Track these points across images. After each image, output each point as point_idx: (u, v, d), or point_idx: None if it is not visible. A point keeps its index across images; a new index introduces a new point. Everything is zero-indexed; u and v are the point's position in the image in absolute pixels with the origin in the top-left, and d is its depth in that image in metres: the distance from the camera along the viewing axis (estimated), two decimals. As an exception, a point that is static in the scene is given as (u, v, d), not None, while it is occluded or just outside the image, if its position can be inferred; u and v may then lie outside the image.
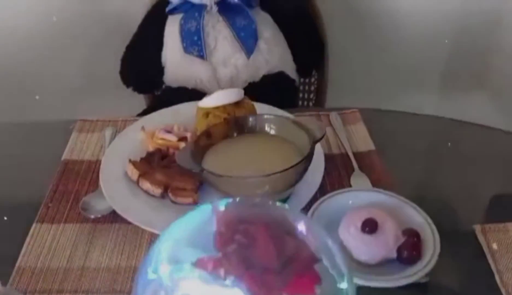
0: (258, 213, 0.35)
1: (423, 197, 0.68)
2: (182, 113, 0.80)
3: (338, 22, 1.18)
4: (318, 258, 0.34)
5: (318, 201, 0.62)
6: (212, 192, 0.63)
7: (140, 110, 1.04)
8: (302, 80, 1.19)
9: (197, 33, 0.98)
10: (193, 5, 0.98)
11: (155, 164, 0.71)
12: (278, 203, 0.36)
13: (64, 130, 0.83)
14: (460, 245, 0.61)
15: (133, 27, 1.08)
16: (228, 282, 0.31)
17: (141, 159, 0.72)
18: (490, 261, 0.59)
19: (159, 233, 0.60)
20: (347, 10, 1.28)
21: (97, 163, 0.74)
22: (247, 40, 0.98)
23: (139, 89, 1.09)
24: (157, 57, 1.05)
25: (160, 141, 0.74)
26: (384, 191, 0.64)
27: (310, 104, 1.26)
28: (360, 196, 0.64)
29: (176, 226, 0.36)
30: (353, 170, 0.73)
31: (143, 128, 0.77)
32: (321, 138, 0.64)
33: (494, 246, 0.60)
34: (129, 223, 0.63)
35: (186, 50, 0.99)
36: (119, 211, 0.63)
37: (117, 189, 0.67)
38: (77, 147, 0.79)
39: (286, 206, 0.40)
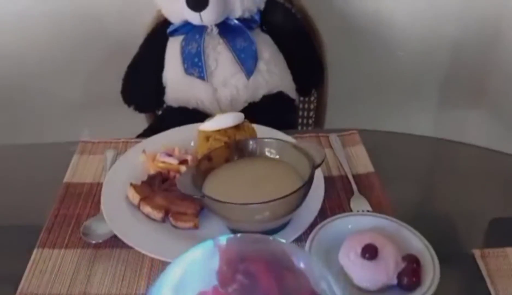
0: (258, 249, 0.35)
1: (422, 220, 0.68)
2: (183, 136, 0.81)
3: (337, 42, 1.19)
4: (317, 292, 0.35)
5: (318, 226, 0.63)
6: (212, 216, 0.64)
7: (141, 129, 1.05)
8: (301, 99, 1.20)
9: (197, 55, 0.99)
10: (194, 27, 1.00)
11: (156, 187, 0.71)
12: (277, 239, 0.36)
13: (65, 152, 0.83)
14: (460, 270, 0.62)
15: (135, 47, 1.09)
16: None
17: (142, 182, 0.72)
18: (490, 286, 0.59)
19: (160, 258, 0.61)
20: (346, 30, 1.29)
21: (99, 185, 0.75)
22: (247, 61, 0.99)
23: (140, 108, 1.10)
24: (158, 77, 1.07)
25: (161, 164, 0.75)
26: (384, 215, 0.65)
27: (310, 121, 1.27)
28: (359, 221, 0.65)
29: (179, 261, 0.37)
30: (352, 193, 0.74)
31: (144, 151, 0.78)
32: (320, 163, 0.64)
33: (493, 271, 0.61)
34: (130, 247, 0.63)
35: (187, 71, 1.00)
36: (120, 236, 0.63)
37: (118, 213, 0.67)
38: (79, 170, 0.79)
39: (285, 241, 0.40)
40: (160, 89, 1.07)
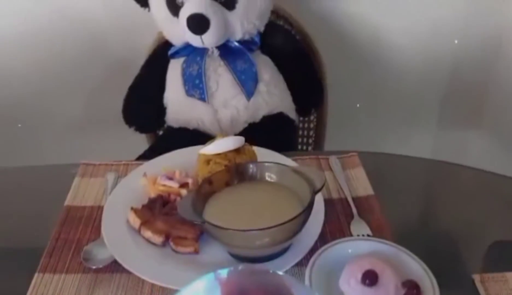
0: (259, 281, 0.36)
1: (422, 244, 0.68)
2: (184, 158, 0.81)
3: (336, 63, 1.20)
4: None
5: (319, 251, 0.63)
6: (213, 241, 0.64)
7: (142, 149, 1.06)
8: (301, 119, 1.21)
9: (198, 77, 1.00)
10: (195, 49, 1.01)
11: (157, 211, 0.72)
12: (277, 272, 0.36)
13: (67, 174, 0.84)
14: (460, 296, 0.62)
15: (136, 68, 1.10)
16: None
17: (143, 206, 0.73)
18: (490, 311, 0.59)
19: (160, 284, 0.61)
20: (345, 51, 1.31)
21: (99, 209, 0.75)
22: (248, 83, 1.00)
23: (141, 129, 1.11)
24: (159, 98, 1.07)
25: (161, 188, 0.75)
26: (384, 240, 0.65)
27: (310, 140, 1.28)
28: (360, 246, 0.65)
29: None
30: (352, 216, 0.74)
31: (145, 174, 0.78)
32: (320, 188, 0.65)
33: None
34: (130, 272, 0.63)
35: (188, 92, 1.01)
36: (120, 261, 0.64)
37: (119, 238, 0.68)
38: (80, 193, 0.80)
39: (285, 274, 0.40)
40: (161, 109, 1.07)
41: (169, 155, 0.84)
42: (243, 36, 1.00)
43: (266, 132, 1.01)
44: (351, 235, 0.70)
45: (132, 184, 0.78)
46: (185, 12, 0.95)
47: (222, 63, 1.00)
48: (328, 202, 0.74)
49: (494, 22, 1.28)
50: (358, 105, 1.34)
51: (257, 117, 1.03)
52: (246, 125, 1.03)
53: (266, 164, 0.71)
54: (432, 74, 1.36)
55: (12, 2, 1.24)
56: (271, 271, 0.36)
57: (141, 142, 1.20)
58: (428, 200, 0.83)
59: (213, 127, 1.03)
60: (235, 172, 0.71)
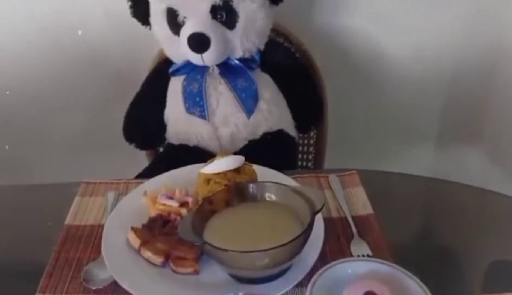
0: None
1: (421, 264, 0.68)
2: (184, 176, 0.82)
3: (336, 80, 1.21)
4: None
5: (319, 272, 0.63)
6: (213, 262, 0.64)
7: (142, 165, 1.07)
8: (301, 136, 1.21)
9: (199, 94, 1.00)
10: (196, 66, 1.01)
11: (157, 231, 0.72)
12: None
13: (67, 192, 0.84)
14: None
15: (137, 85, 1.11)
16: None
17: (143, 225, 0.73)
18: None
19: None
20: (345, 69, 1.31)
21: (100, 227, 0.75)
22: (248, 101, 1.01)
23: (141, 146, 1.11)
24: (159, 115, 1.08)
25: (161, 207, 0.76)
26: (383, 261, 0.65)
27: (310, 157, 1.28)
28: (360, 266, 0.65)
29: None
30: (352, 236, 0.74)
31: (145, 193, 0.79)
32: (320, 209, 0.65)
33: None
34: (130, 293, 0.63)
35: (188, 110, 1.02)
36: (120, 282, 0.64)
37: (119, 258, 0.68)
38: (80, 212, 0.80)
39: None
40: (161, 126, 1.08)
41: (169, 174, 0.85)
42: (243, 54, 1.01)
43: (266, 149, 1.02)
44: (351, 255, 0.70)
45: (132, 203, 0.78)
46: (186, 31, 0.95)
47: (222, 81, 1.01)
48: (328, 221, 0.74)
49: (493, 38, 1.29)
50: (359, 124, 1.35)
51: (257, 134, 1.04)
52: (246, 142, 1.03)
53: (266, 184, 0.72)
54: (431, 93, 1.37)
55: (12, 16, 1.25)
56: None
57: (142, 158, 1.21)
58: (428, 219, 0.83)
59: (213, 144, 1.03)
60: (235, 191, 0.71)
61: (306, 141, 1.26)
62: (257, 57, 1.04)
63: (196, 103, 1.01)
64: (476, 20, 1.27)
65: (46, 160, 1.29)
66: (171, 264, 0.67)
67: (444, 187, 0.86)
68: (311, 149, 1.26)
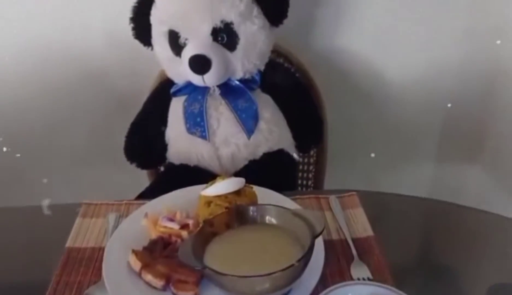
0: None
1: (421, 286, 0.69)
2: (185, 198, 0.82)
3: (336, 100, 1.22)
4: None
5: (319, 296, 0.63)
6: (213, 285, 0.64)
7: (143, 184, 1.07)
8: (301, 155, 1.22)
9: (200, 115, 1.01)
10: (196, 87, 1.02)
11: (158, 254, 0.72)
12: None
13: (69, 214, 0.85)
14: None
15: (138, 105, 1.12)
16: None
17: (144, 248, 0.73)
18: None
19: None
20: (345, 88, 1.33)
21: (101, 250, 0.75)
22: (248, 121, 1.01)
23: (142, 165, 1.11)
24: (161, 134, 1.09)
25: (162, 229, 0.76)
26: (384, 284, 0.65)
27: (310, 175, 1.28)
28: (360, 290, 0.65)
29: None
30: (352, 258, 0.74)
31: (146, 215, 0.79)
32: (320, 233, 0.65)
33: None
34: (131, 317, 0.63)
35: (189, 130, 1.02)
36: (121, 307, 0.64)
37: (120, 281, 0.68)
38: (81, 233, 0.80)
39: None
40: (162, 146, 1.08)
41: (170, 195, 0.85)
42: (243, 75, 1.02)
43: (267, 169, 1.02)
44: (351, 277, 0.70)
45: (133, 225, 0.78)
46: (187, 53, 0.97)
47: (223, 101, 1.02)
48: (328, 243, 0.75)
49: (491, 58, 1.31)
50: (358, 143, 1.36)
51: (258, 154, 1.04)
52: (246, 162, 1.04)
53: (267, 207, 0.72)
54: (431, 109, 1.38)
55: (14, 36, 1.26)
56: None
57: (143, 176, 1.21)
58: (427, 241, 0.84)
59: (214, 164, 1.04)
60: (236, 214, 0.72)
61: (306, 160, 1.26)
62: (257, 78, 1.05)
63: (197, 123, 1.02)
64: (475, 40, 1.29)
65: (47, 178, 1.29)
66: (172, 288, 0.67)
67: (443, 208, 0.86)
68: (311, 167, 1.27)
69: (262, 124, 1.03)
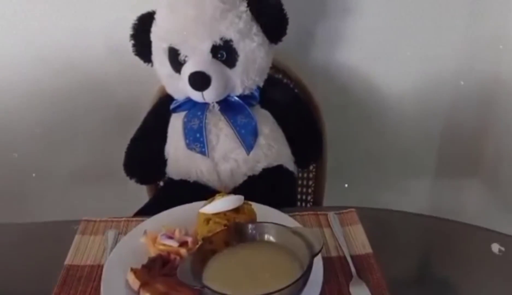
0: None
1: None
2: (184, 215, 0.82)
3: (335, 115, 1.22)
4: None
5: (317, 315, 0.63)
6: (212, 304, 0.64)
7: (142, 199, 1.07)
8: (300, 171, 1.22)
9: (199, 131, 1.01)
10: (196, 103, 1.03)
11: (156, 272, 0.72)
12: None
13: (68, 230, 0.85)
14: None
15: (138, 120, 1.12)
16: None
17: (143, 266, 0.73)
18: None
19: None
20: (344, 103, 1.33)
21: (99, 268, 0.75)
22: (247, 137, 1.02)
23: (142, 180, 1.12)
24: (160, 150, 1.09)
25: (161, 247, 0.76)
26: (382, 304, 0.65)
27: (310, 190, 1.28)
28: (358, 309, 0.65)
29: None
30: (351, 276, 0.74)
31: (145, 232, 0.79)
32: (319, 252, 0.65)
33: None
34: (129, 336, 0.63)
35: (189, 146, 1.03)
36: (119, 326, 0.64)
37: (118, 300, 0.68)
38: (80, 251, 0.80)
39: None
40: (162, 162, 1.09)
41: (169, 212, 0.85)
42: (243, 92, 1.03)
43: (266, 184, 1.02)
44: (350, 296, 0.70)
45: (132, 242, 0.78)
46: (187, 69, 0.97)
47: (222, 117, 1.02)
48: (327, 261, 0.75)
49: (489, 73, 1.31)
50: (357, 158, 1.36)
51: (257, 170, 1.04)
52: (246, 178, 1.04)
53: (265, 224, 0.72)
54: (429, 124, 1.38)
55: (13, 49, 1.26)
56: None
57: (142, 191, 1.21)
58: (427, 258, 0.84)
59: (213, 180, 1.04)
60: (235, 232, 0.72)
61: (305, 176, 1.26)
62: (256, 94, 1.05)
63: (196, 139, 1.02)
64: (473, 54, 1.30)
65: (46, 193, 1.29)
66: (170, 307, 0.67)
67: (442, 225, 0.86)
68: (310, 183, 1.27)
69: (261, 140, 1.04)
